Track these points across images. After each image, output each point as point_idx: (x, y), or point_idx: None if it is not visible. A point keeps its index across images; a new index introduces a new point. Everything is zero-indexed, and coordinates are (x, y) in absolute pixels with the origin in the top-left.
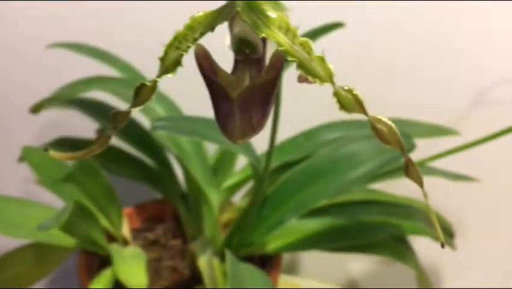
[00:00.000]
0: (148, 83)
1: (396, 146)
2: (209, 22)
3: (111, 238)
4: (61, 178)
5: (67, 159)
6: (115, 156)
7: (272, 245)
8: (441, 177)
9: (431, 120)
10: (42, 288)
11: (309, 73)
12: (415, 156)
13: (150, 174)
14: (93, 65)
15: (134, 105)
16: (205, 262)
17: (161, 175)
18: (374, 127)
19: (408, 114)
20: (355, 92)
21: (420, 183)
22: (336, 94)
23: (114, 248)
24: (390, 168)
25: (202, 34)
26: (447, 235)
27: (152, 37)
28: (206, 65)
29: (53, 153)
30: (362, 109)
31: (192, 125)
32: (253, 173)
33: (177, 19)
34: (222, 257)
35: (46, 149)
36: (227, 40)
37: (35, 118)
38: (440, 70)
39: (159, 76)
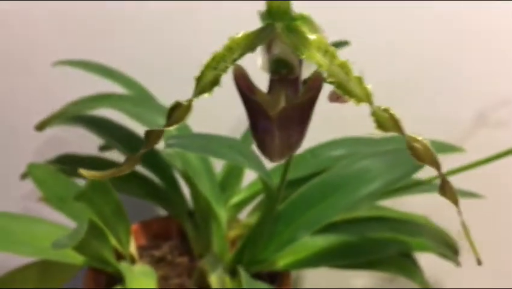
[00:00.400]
0: (184, 103)
1: (431, 163)
2: (248, 43)
3: (119, 256)
4: (66, 195)
5: (97, 178)
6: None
7: (282, 262)
8: None
9: (433, 136)
10: None
11: (346, 93)
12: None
13: (156, 191)
14: (96, 83)
15: (168, 124)
16: (216, 279)
17: (168, 192)
18: (410, 146)
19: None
20: (391, 111)
21: (455, 202)
22: (374, 113)
23: (124, 266)
24: (399, 186)
25: (241, 55)
26: (451, 251)
27: (159, 54)
28: (244, 85)
29: (83, 171)
30: (398, 128)
31: (204, 142)
32: (264, 189)
33: (182, 37)
34: (232, 274)
35: (76, 168)
36: (259, 60)
37: (34, 136)
38: (440, 88)
39: (195, 95)
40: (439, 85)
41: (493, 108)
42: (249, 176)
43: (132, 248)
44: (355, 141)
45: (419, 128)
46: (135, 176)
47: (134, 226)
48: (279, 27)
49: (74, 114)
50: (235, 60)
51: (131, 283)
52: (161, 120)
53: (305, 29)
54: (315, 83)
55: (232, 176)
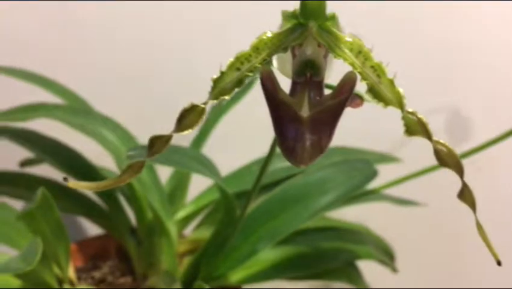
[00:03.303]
0: (199, 105)
1: (454, 167)
2: (277, 43)
3: (58, 280)
4: None
5: (91, 189)
6: (53, 188)
7: (234, 277)
8: (391, 202)
9: (371, 147)
10: None
11: (376, 97)
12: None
13: (94, 208)
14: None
15: (179, 129)
16: None
17: (108, 209)
18: (435, 149)
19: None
20: (419, 115)
21: (473, 206)
22: (404, 118)
23: None
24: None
25: (269, 55)
26: (388, 258)
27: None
28: (271, 86)
29: (74, 183)
30: (426, 132)
31: (165, 153)
32: (223, 200)
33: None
34: None
35: (65, 179)
36: (275, 62)
37: None
38: None
39: (212, 98)
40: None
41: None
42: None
43: (71, 271)
44: None
45: (361, 141)
46: (69, 192)
47: (71, 247)
48: (313, 26)
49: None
50: (263, 60)
51: None
52: (104, 131)
53: (335, 29)
54: (347, 85)
55: (179, 188)
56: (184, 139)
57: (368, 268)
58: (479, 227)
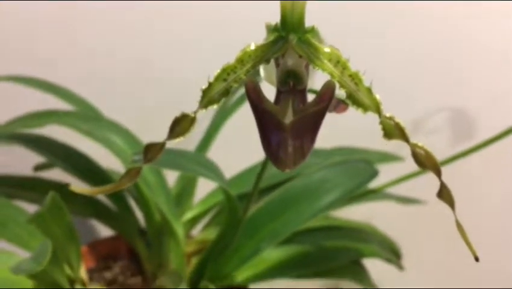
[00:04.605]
0: (190, 114)
1: (432, 168)
2: (261, 55)
3: (69, 280)
4: (6, 219)
5: (93, 194)
6: (65, 192)
7: (240, 276)
8: (395, 201)
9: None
10: None
11: (355, 103)
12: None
13: (105, 210)
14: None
15: (171, 136)
16: None
17: (118, 211)
18: (413, 152)
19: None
20: (396, 120)
21: (452, 205)
22: (381, 122)
23: None
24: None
25: (253, 67)
26: (394, 256)
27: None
28: (256, 96)
29: (76, 188)
30: (403, 135)
31: (170, 157)
32: (226, 201)
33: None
34: None
35: (67, 185)
36: (262, 72)
37: None
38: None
39: (202, 107)
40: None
41: (427, 116)
42: (199, 191)
43: (82, 271)
44: None
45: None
46: (80, 195)
47: (82, 248)
48: (293, 39)
49: (12, 132)
50: (247, 72)
51: None
52: (113, 136)
53: (315, 40)
54: (327, 93)
55: (186, 191)
56: (190, 142)
57: (375, 267)
58: (459, 225)
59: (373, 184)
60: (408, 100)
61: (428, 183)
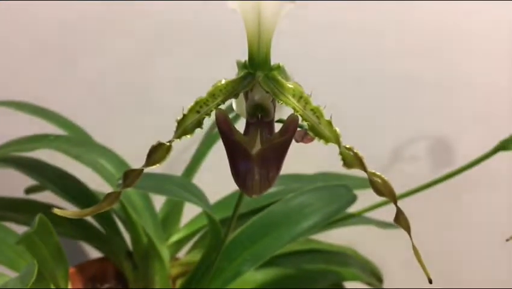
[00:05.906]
0: (165, 143)
1: (389, 196)
2: (230, 90)
3: None
4: None
5: (75, 216)
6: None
7: None
8: (374, 225)
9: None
10: None
11: (317, 135)
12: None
13: (93, 232)
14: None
15: (148, 164)
16: None
17: (106, 233)
18: (371, 180)
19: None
20: (355, 150)
21: (408, 230)
22: (341, 153)
23: None
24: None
25: (223, 100)
26: (376, 279)
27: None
28: (226, 127)
29: (59, 211)
30: (362, 165)
31: (155, 182)
32: (210, 225)
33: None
34: None
35: (49, 207)
36: (234, 105)
37: None
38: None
39: (177, 136)
40: (356, 124)
41: (406, 144)
42: (186, 214)
43: None
44: (289, 178)
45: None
46: (69, 218)
47: (70, 270)
48: (260, 76)
49: (4, 156)
50: (218, 105)
51: None
52: (102, 160)
53: (280, 77)
54: (291, 126)
55: (172, 214)
56: (177, 167)
57: None
58: (415, 249)
59: (354, 208)
60: (386, 129)
61: (405, 207)
